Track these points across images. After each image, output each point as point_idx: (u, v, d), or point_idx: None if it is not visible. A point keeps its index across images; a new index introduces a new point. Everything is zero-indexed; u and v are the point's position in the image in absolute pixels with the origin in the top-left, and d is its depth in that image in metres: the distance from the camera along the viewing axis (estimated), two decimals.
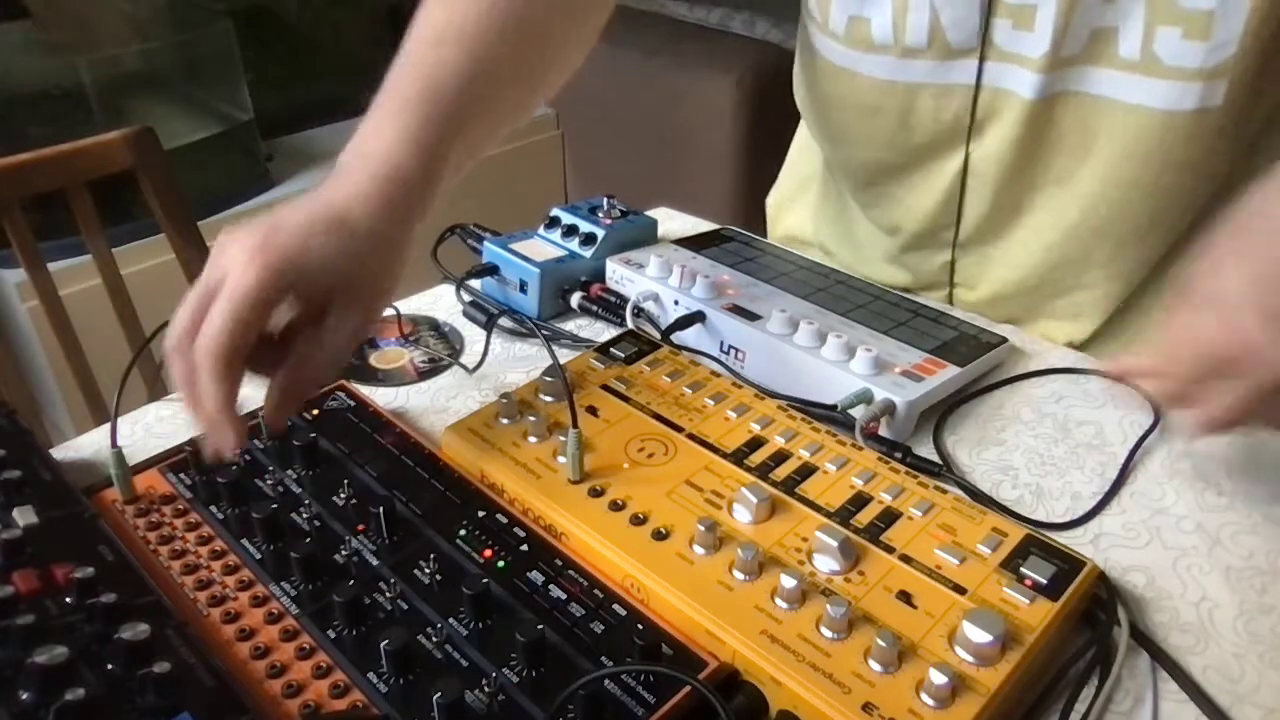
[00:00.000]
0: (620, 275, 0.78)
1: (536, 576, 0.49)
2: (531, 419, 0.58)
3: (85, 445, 0.64)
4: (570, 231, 0.81)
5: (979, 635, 0.44)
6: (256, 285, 0.45)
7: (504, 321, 0.76)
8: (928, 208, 0.77)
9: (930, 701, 0.42)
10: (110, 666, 0.41)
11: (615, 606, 0.48)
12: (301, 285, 0.48)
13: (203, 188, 1.75)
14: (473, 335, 0.76)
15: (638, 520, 0.52)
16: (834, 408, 0.63)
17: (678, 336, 0.72)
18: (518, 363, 0.73)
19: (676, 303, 0.74)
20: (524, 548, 0.51)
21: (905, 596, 0.47)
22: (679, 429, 0.59)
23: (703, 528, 0.49)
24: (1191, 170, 0.65)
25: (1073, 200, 0.70)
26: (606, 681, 0.43)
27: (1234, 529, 0.57)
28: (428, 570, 0.49)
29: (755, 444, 0.58)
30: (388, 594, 0.48)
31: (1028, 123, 0.68)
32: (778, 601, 0.46)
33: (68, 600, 0.44)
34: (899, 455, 0.59)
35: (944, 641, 0.45)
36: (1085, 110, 0.66)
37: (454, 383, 0.71)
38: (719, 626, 0.46)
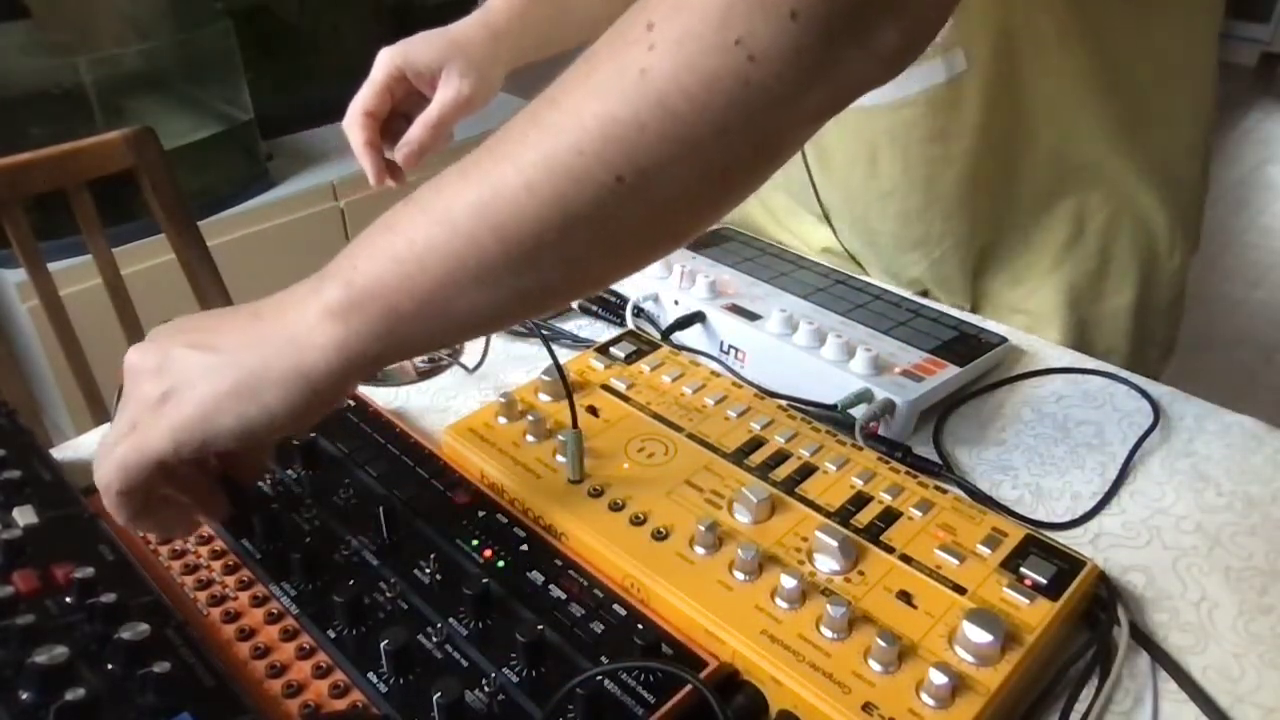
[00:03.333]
0: None
1: (536, 576, 0.49)
2: (531, 419, 0.58)
3: (85, 445, 0.64)
4: None
5: (979, 635, 0.44)
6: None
7: None
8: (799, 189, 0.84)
9: (930, 701, 0.42)
10: (110, 666, 0.41)
11: (615, 606, 0.48)
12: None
13: (203, 188, 1.75)
14: None
15: (638, 520, 0.52)
16: (834, 408, 0.63)
17: (678, 336, 0.72)
18: (518, 363, 0.73)
19: (676, 303, 0.74)
20: (524, 548, 0.51)
21: (905, 596, 0.47)
22: (679, 429, 0.59)
23: (703, 528, 0.49)
24: (966, 132, 0.72)
25: (892, 189, 0.77)
26: (606, 681, 0.43)
27: (1234, 529, 0.57)
28: (428, 570, 0.49)
29: (755, 444, 0.58)
30: (388, 594, 0.48)
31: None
32: (778, 601, 0.46)
33: (68, 600, 0.44)
34: (899, 455, 0.59)
35: (944, 641, 0.45)
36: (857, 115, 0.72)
37: (454, 383, 0.71)
38: (719, 626, 0.46)
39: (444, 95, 0.66)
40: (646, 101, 0.35)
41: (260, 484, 0.55)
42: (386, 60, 0.67)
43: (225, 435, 0.40)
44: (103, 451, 0.42)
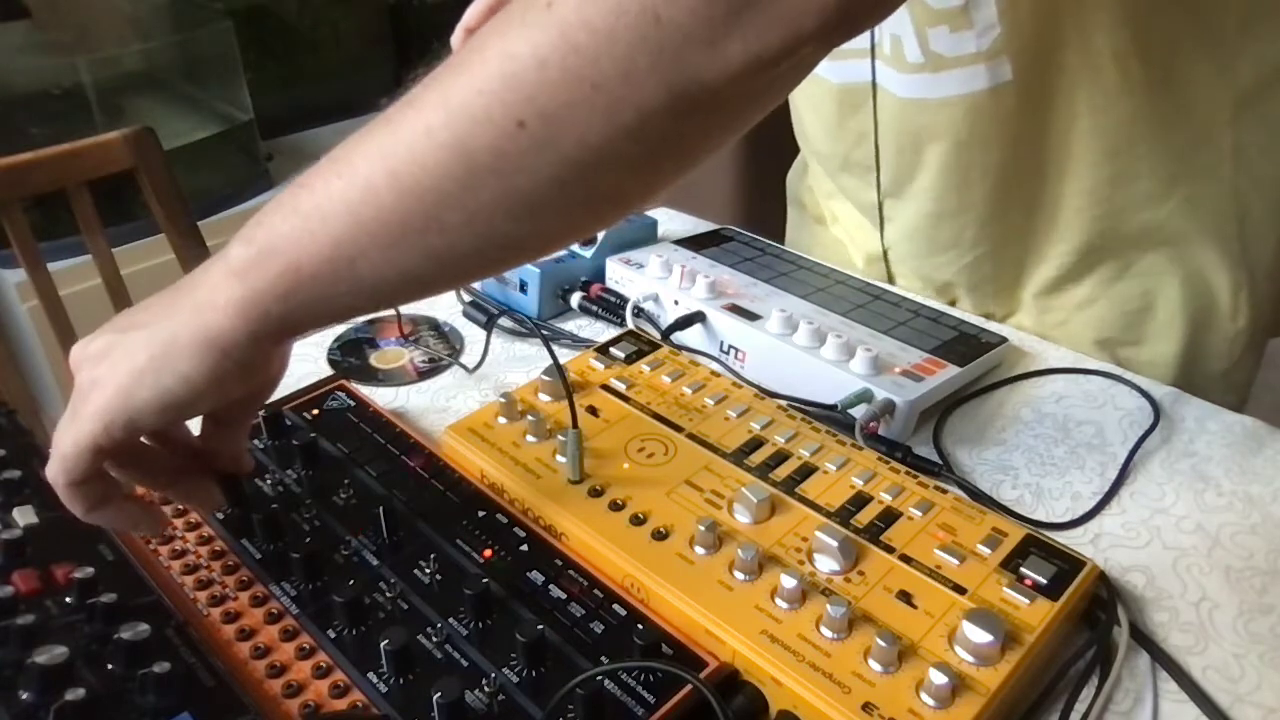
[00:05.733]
0: (620, 275, 0.78)
1: (536, 576, 0.49)
2: (531, 419, 0.58)
3: None
4: None
5: (979, 635, 0.44)
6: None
7: (504, 321, 0.76)
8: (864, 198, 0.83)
9: (930, 701, 0.42)
10: (110, 666, 0.41)
11: (615, 606, 0.47)
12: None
13: (203, 188, 1.75)
14: (473, 335, 0.76)
15: (638, 520, 0.52)
16: (834, 408, 0.63)
17: (678, 336, 0.72)
18: (518, 363, 0.73)
19: (676, 303, 0.74)
20: (524, 548, 0.51)
21: (905, 596, 0.47)
22: (679, 429, 0.59)
23: (703, 528, 0.49)
24: (1006, 145, 0.70)
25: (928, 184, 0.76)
26: (607, 681, 0.43)
27: (1234, 529, 0.57)
28: (428, 570, 0.49)
29: (755, 444, 0.58)
30: (388, 594, 0.48)
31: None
32: (778, 601, 0.46)
33: (68, 600, 0.44)
34: (899, 455, 0.59)
35: (944, 641, 0.45)
36: (903, 110, 0.72)
37: (454, 383, 0.71)
38: (719, 626, 0.46)
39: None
40: (548, 35, 0.32)
41: (260, 482, 0.55)
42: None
43: (149, 409, 0.39)
44: (53, 447, 0.42)
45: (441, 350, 0.74)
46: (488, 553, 0.51)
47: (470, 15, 0.66)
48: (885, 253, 0.85)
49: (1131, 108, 0.66)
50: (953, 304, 0.82)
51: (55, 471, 0.41)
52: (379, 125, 0.36)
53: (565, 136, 0.34)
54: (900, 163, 0.76)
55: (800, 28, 0.32)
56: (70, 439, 0.40)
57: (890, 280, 0.86)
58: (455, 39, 0.67)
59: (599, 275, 0.79)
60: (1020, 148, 0.70)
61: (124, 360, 0.40)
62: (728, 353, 0.71)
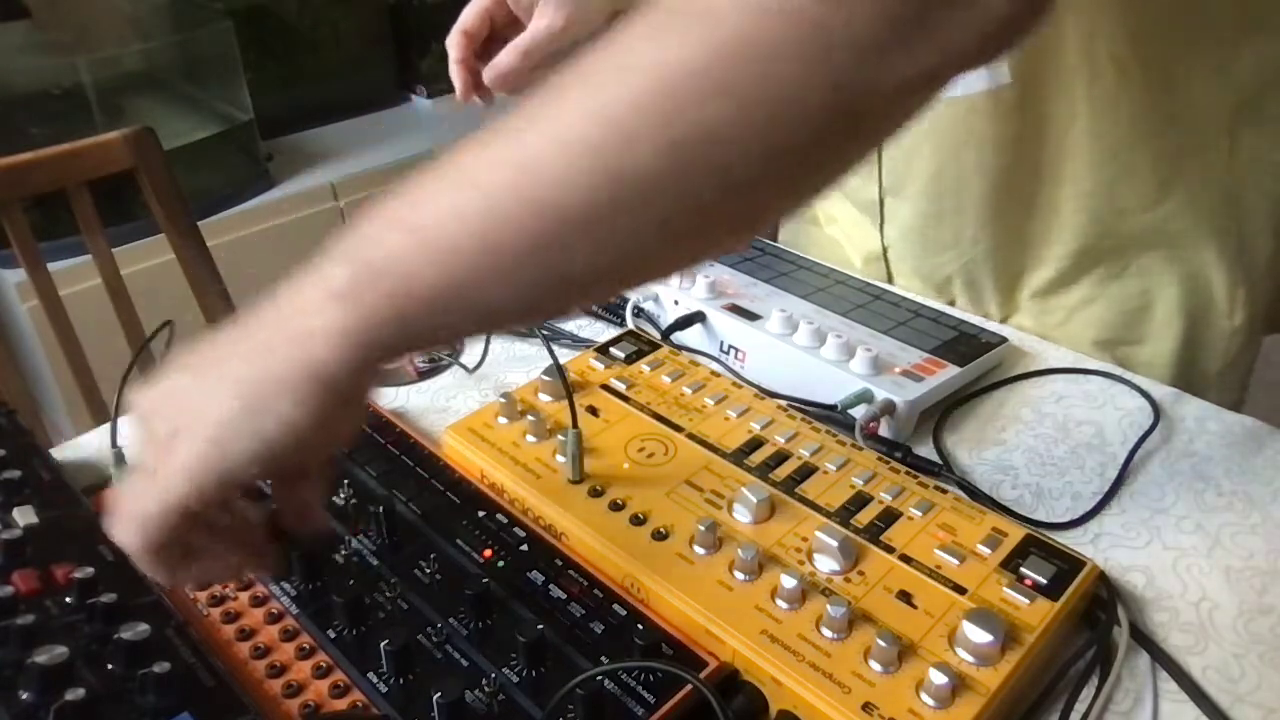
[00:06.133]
0: None
1: (536, 576, 0.49)
2: (531, 419, 0.58)
3: (85, 445, 0.64)
4: None
5: (979, 635, 0.44)
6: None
7: None
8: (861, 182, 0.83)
9: (930, 701, 0.42)
10: (110, 666, 0.41)
11: (615, 606, 0.47)
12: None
13: (203, 188, 1.75)
14: None
15: (638, 520, 0.52)
16: (834, 408, 0.63)
17: (677, 336, 0.72)
18: (518, 363, 0.73)
19: (676, 303, 0.74)
20: (524, 548, 0.51)
21: (905, 596, 0.47)
22: (679, 429, 0.59)
23: (703, 528, 0.49)
24: (1004, 146, 0.70)
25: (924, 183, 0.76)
26: (607, 681, 0.43)
27: (1234, 529, 0.56)
28: (428, 570, 0.49)
29: (755, 444, 0.58)
30: (388, 594, 0.48)
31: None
32: (778, 601, 0.46)
33: (68, 600, 0.44)
34: (899, 455, 0.59)
35: (944, 641, 0.45)
36: None
37: (454, 383, 0.71)
38: (719, 626, 0.46)
39: (537, 23, 0.64)
40: (711, 46, 0.30)
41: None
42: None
43: (246, 460, 0.35)
44: (120, 506, 0.37)
45: (441, 350, 0.74)
46: (488, 553, 0.51)
47: (467, 18, 0.66)
48: (885, 251, 0.85)
49: (1130, 110, 0.66)
50: (951, 304, 0.82)
51: (134, 537, 0.36)
52: (502, 138, 0.33)
53: (723, 155, 0.31)
54: (900, 161, 0.76)
55: (968, 50, 0.32)
56: (154, 501, 0.35)
57: (890, 280, 0.86)
58: (451, 41, 0.67)
59: None
60: (1019, 149, 0.70)
61: (210, 406, 0.35)
62: (728, 353, 0.71)
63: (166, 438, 0.35)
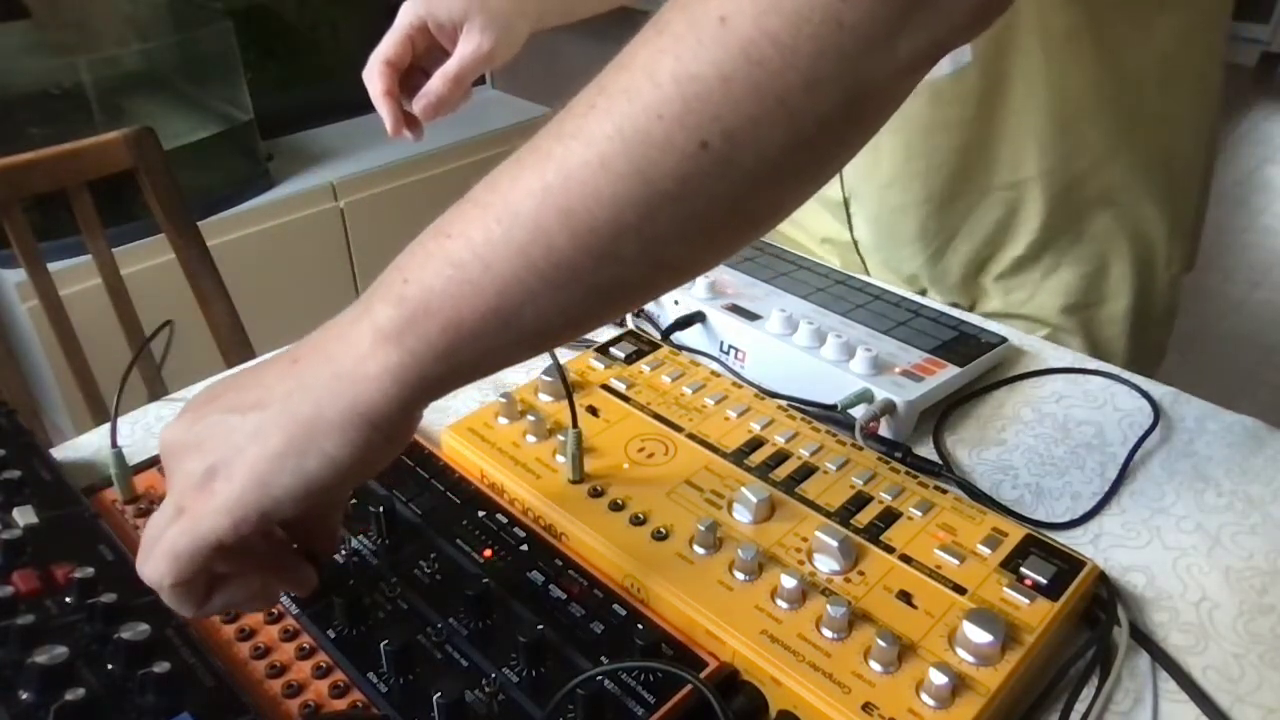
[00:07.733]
0: None
1: (536, 576, 0.49)
2: (531, 419, 0.58)
3: (85, 445, 0.64)
4: None
5: (979, 635, 0.44)
6: None
7: None
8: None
9: (930, 701, 0.42)
10: (110, 666, 0.41)
11: (615, 606, 0.47)
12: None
13: (203, 188, 1.75)
14: None
15: (638, 520, 0.52)
16: (834, 408, 0.63)
17: (677, 336, 0.72)
18: None
19: (676, 302, 0.74)
20: (524, 548, 0.51)
21: (905, 596, 0.47)
22: (679, 429, 0.59)
23: (703, 528, 0.49)
24: (964, 127, 0.73)
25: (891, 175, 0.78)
26: (607, 681, 0.43)
27: (1234, 529, 0.57)
28: (428, 570, 0.49)
29: (755, 444, 0.58)
30: (388, 594, 0.48)
31: None
32: (778, 601, 0.46)
33: (68, 600, 0.44)
34: (899, 455, 0.59)
35: (944, 641, 0.45)
36: None
37: None
38: (719, 626, 0.46)
39: (464, 49, 0.65)
40: (728, 52, 0.31)
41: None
42: (409, 10, 0.66)
43: (287, 498, 0.35)
44: (147, 543, 0.37)
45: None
46: (488, 553, 0.51)
47: (387, 48, 0.65)
48: (855, 245, 0.87)
49: (1082, 81, 0.69)
50: (922, 294, 0.83)
51: (162, 572, 0.36)
52: (531, 162, 0.34)
53: (747, 154, 0.33)
54: (868, 153, 0.78)
55: (959, 25, 0.33)
56: (187, 538, 0.35)
57: (866, 273, 0.87)
58: (372, 73, 0.66)
59: None
60: (980, 129, 0.72)
61: (253, 445, 0.35)
62: (728, 353, 0.71)
63: (203, 476, 0.36)
